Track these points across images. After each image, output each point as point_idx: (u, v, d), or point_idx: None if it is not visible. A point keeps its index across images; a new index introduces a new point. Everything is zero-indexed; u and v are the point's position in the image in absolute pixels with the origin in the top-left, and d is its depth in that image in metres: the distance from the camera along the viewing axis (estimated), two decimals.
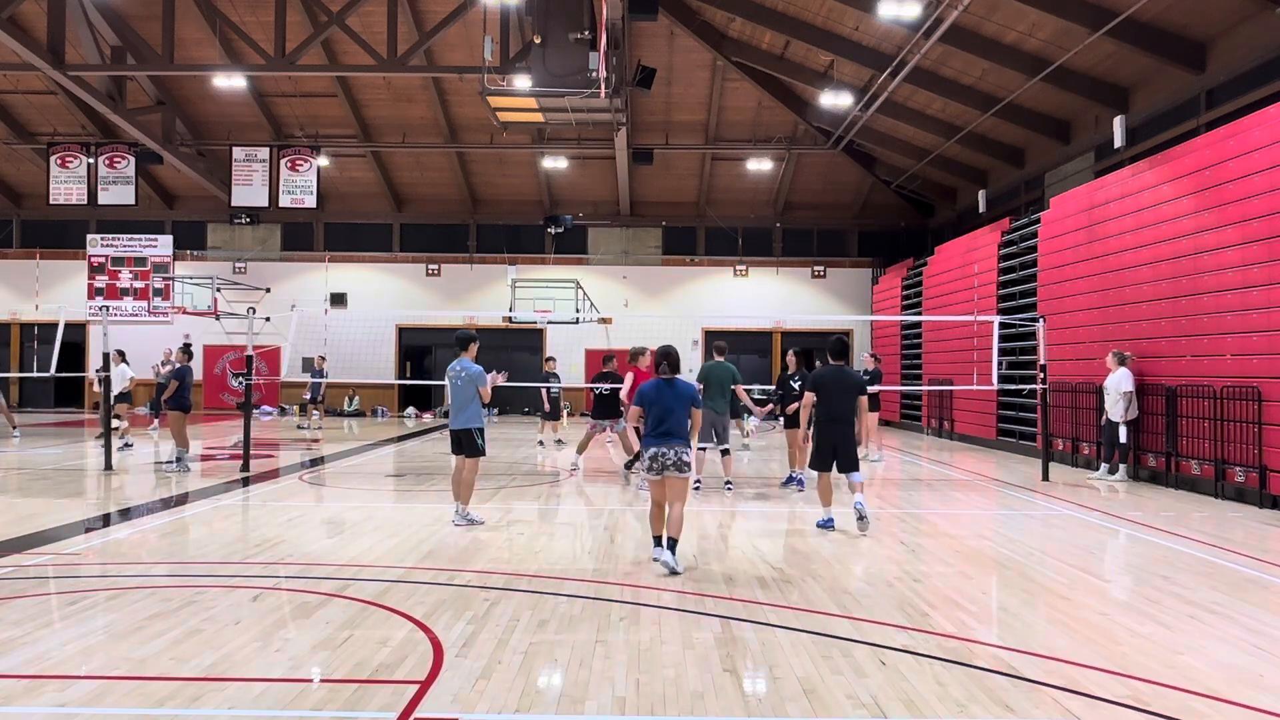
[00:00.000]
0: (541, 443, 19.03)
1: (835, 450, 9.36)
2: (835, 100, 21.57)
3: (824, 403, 9.40)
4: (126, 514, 10.30)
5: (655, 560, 7.56)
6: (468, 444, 9.63)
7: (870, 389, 16.56)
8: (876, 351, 28.39)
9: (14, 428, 19.56)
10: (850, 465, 9.35)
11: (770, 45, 22.60)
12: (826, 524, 9.44)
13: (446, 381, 9.84)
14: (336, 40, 22.27)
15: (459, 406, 9.63)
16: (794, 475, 12.69)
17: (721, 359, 12.60)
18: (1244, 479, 11.53)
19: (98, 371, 18.07)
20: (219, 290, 25.64)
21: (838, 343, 9.63)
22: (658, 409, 7.61)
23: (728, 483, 12.45)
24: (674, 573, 7.33)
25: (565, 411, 22.31)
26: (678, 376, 7.82)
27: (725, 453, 12.71)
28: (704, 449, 12.59)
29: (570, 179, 28.90)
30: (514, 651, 5.40)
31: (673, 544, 7.46)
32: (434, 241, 30.62)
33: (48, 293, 29.01)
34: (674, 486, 7.51)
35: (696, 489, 12.11)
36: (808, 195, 29.54)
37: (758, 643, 5.63)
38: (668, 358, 7.83)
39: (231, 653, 5.32)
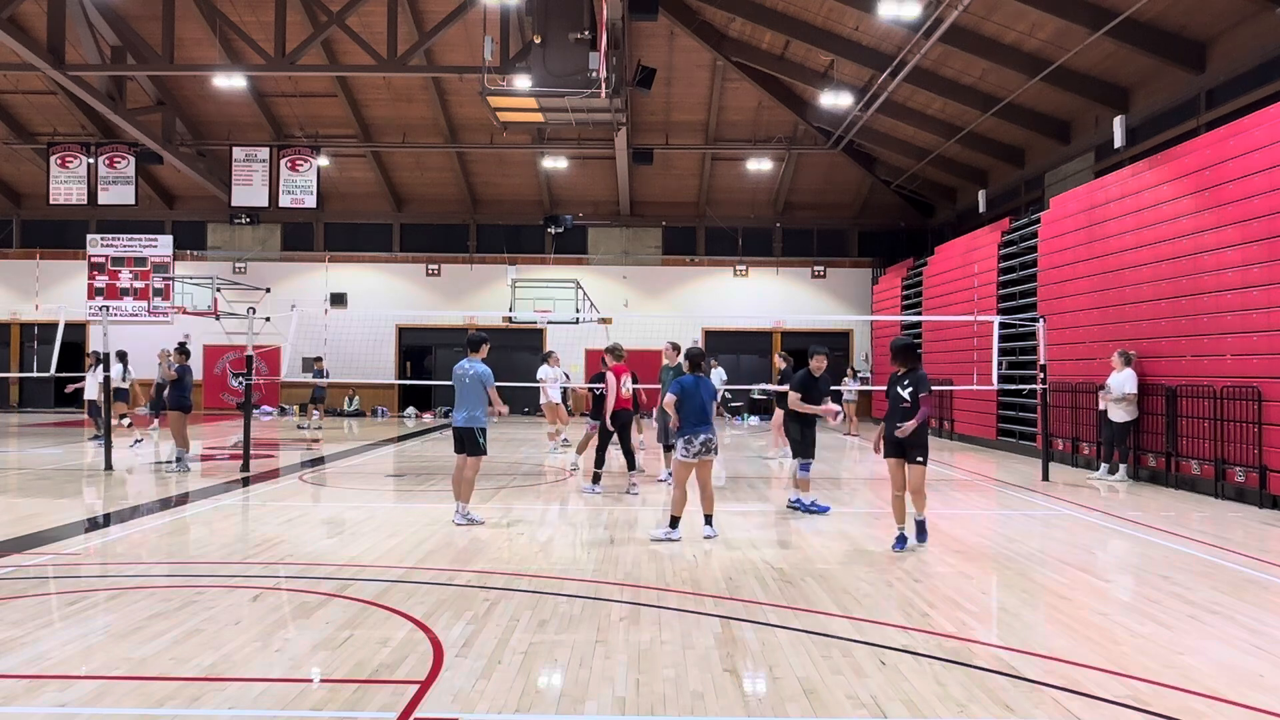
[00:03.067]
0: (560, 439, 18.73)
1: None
2: (835, 100, 21.56)
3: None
4: (126, 514, 10.30)
5: (669, 540, 8.75)
6: (470, 442, 9.70)
7: (781, 389, 16.54)
8: (872, 351, 28.59)
9: None
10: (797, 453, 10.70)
11: (770, 45, 22.60)
12: (816, 509, 10.59)
13: (454, 380, 9.90)
14: (336, 40, 22.27)
15: (464, 405, 9.72)
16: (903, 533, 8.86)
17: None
18: (1244, 479, 11.53)
19: (93, 370, 18.17)
20: (219, 290, 25.61)
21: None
22: (696, 401, 8.97)
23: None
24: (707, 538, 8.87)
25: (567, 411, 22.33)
26: (703, 375, 9.26)
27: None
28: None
29: (570, 179, 28.91)
30: (514, 651, 5.40)
31: (709, 518, 9.11)
32: (434, 241, 30.62)
33: (48, 293, 29.01)
34: (709, 468, 9.10)
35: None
36: (808, 195, 29.54)
37: (758, 643, 5.63)
38: (695, 358, 9.35)
39: (231, 653, 5.32)
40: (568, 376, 20.21)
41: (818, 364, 10.61)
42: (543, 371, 18.03)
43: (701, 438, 8.88)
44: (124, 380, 18.20)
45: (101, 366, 18.40)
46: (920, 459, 8.53)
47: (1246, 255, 11.78)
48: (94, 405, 19.05)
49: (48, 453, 16.82)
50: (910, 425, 8.34)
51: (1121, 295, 14.64)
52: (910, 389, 8.60)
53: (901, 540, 8.57)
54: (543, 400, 18.16)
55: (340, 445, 19.10)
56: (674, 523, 8.89)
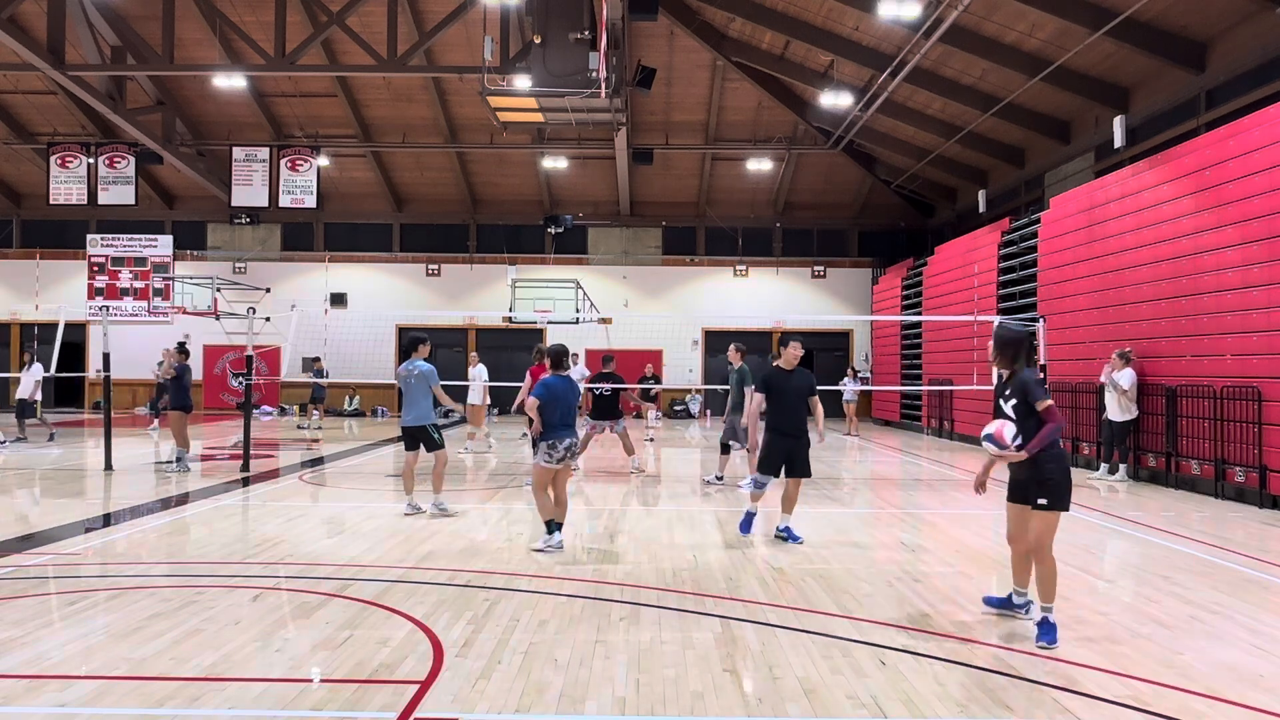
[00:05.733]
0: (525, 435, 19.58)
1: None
2: (835, 100, 21.57)
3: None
4: (126, 514, 10.30)
5: (549, 547, 8.21)
6: (425, 440, 10.08)
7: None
8: (872, 351, 28.63)
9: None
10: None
11: (770, 45, 22.60)
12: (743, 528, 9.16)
13: (398, 382, 10.25)
14: (336, 40, 22.27)
15: (411, 404, 10.08)
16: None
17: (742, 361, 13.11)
18: (1244, 479, 11.53)
19: (26, 368, 18.39)
20: (219, 290, 25.60)
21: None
22: (563, 403, 8.35)
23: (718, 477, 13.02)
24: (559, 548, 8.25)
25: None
26: (569, 373, 8.66)
27: (727, 449, 13.17)
28: (732, 447, 13.16)
29: (570, 179, 28.91)
30: (514, 651, 5.40)
31: (558, 525, 8.38)
32: (434, 241, 30.63)
33: (48, 293, 29.02)
34: (567, 474, 8.52)
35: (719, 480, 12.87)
36: (808, 195, 29.55)
37: (758, 643, 5.63)
38: (556, 355, 8.58)
39: (231, 653, 5.32)
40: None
41: (792, 354, 8.86)
42: (473, 372, 17.84)
43: (566, 442, 8.29)
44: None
45: (39, 365, 18.52)
46: (1044, 500, 5.77)
47: (1246, 255, 11.78)
48: (24, 405, 19.08)
49: (48, 453, 16.81)
50: (1008, 454, 5.83)
51: (1121, 295, 14.64)
52: (1014, 400, 6.00)
53: (1013, 603, 6.21)
54: (470, 400, 17.78)
55: (340, 445, 19.10)
56: (550, 527, 8.30)
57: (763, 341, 30.04)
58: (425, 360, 10.19)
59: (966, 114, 20.64)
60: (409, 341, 10.29)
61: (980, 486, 6.40)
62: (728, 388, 13.39)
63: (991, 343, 6.31)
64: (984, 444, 5.96)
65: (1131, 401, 13.47)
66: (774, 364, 8.93)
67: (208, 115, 26.79)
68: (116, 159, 25.51)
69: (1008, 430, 5.87)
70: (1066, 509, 5.86)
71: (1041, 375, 14.68)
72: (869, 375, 28.65)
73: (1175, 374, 13.10)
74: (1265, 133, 11.68)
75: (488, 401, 18.43)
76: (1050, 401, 5.86)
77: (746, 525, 9.17)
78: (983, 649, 5.55)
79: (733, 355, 13.15)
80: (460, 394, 16.90)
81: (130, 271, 28.68)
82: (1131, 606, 6.62)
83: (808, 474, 8.80)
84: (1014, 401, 5.95)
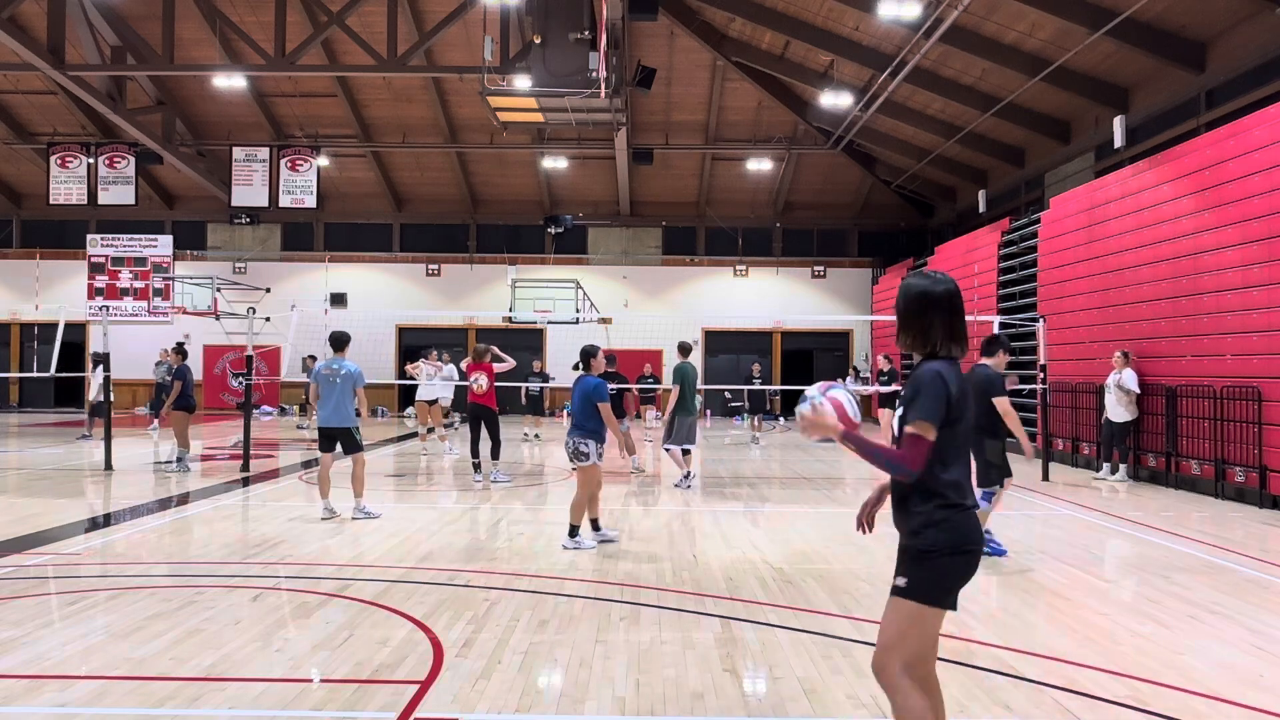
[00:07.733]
0: (532, 435, 20.20)
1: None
2: (835, 100, 21.57)
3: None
4: (126, 514, 10.29)
5: (573, 546, 8.32)
6: (346, 441, 9.92)
7: (886, 389, 17.20)
8: (886, 353, 28.64)
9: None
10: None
11: (770, 45, 22.60)
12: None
13: (315, 380, 10.09)
14: (336, 40, 22.27)
15: (334, 404, 9.90)
16: None
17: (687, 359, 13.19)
18: (1244, 479, 11.53)
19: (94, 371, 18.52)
20: (219, 290, 25.64)
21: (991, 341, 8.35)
22: (573, 404, 8.49)
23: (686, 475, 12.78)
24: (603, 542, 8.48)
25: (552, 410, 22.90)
26: (586, 374, 8.61)
27: (686, 451, 12.98)
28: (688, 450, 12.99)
29: (570, 179, 28.90)
30: (514, 651, 5.40)
31: (572, 529, 8.44)
32: (434, 241, 30.62)
33: (48, 293, 29.01)
34: (580, 475, 8.46)
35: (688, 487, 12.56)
36: (808, 195, 29.54)
37: (758, 643, 5.63)
38: (581, 355, 8.74)
39: (231, 653, 5.32)
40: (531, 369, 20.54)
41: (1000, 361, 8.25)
42: (419, 368, 17.73)
43: (567, 441, 8.52)
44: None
45: (101, 367, 18.69)
46: (904, 579, 3.29)
47: (1246, 255, 11.78)
48: (94, 405, 19.39)
49: (48, 453, 16.81)
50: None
51: (1121, 295, 14.64)
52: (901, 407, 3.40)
53: None
54: (418, 397, 18.02)
55: None
56: (571, 530, 8.43)
57: (763, 341, 30.05)
58: (350, 360, 10.06)
59: (966, 114, 20.63)
60: (335, 339, 10.12)
61: (866, 523, 3.70)
62: (735, 387, 13.37)
63: (897, 305, 3.61)
64: (807, 404, 3.36)
65: (1133, 403, 13.48)
66: (986, 366, 8.21)
67: (208, 115, 26.79)
68: (116, 159, 25.50)
69: (843, 394, 3.41)
70: (942, 606, 3.28)
71: (1041, 374, 14.70)
72: (870, 375, 28.64)
73: (1175, 374, 13.10)
74: (1265, 133, 11.68)
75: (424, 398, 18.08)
76: (932, 431, 3.22)
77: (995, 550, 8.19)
78: (983, 649, 5.55)
79: (678, 355, 13.32)
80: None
81: (130, 271, 28.65)
82: (1131, 606, 6.62)
83: None
84: (901, 408, 3.39)
